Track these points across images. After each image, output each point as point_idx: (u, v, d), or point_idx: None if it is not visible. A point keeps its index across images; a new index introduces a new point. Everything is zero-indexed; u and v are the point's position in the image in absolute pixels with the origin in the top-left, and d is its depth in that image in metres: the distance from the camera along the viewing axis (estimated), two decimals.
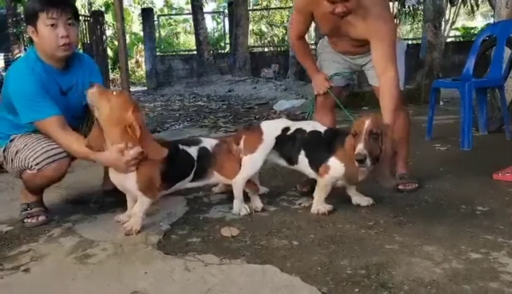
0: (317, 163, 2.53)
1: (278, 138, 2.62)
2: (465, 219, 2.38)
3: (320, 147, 2.53)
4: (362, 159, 2.23)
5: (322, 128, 2.62)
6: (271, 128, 2.65)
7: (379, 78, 2.59)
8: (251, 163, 2.58)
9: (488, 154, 3.76)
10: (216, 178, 2.63)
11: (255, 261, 2.00)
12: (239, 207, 2.58)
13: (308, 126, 2.64)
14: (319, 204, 2.55)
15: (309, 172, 2.61)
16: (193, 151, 2.53)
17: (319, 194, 2.56)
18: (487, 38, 4.45)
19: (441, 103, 6.74)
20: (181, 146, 2.53)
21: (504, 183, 2.90)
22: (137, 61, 19.93)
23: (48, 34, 2.36)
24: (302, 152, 2.58)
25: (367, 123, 2.27)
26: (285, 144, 2.62)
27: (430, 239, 2.14)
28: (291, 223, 2.42)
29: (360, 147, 2.24)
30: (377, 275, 1.84)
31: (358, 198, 2.65)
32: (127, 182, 2.33)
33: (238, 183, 2.59)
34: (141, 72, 18.87)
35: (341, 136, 2.49)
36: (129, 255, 2.10)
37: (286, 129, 2.63)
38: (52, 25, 2.35)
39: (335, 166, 2.46)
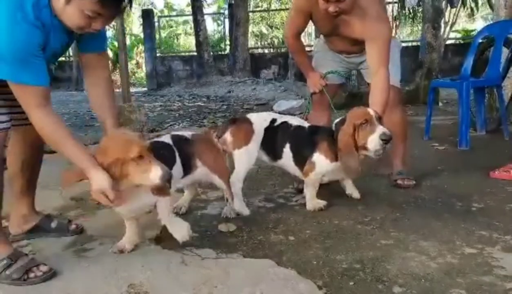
0: (301, 160, 2.52)
1: (266, 130, 2.59)
2: (460, 216, 2.40)
3: (304, 143, 2.52)
4: (389, 138, 2.32)
5: (306, 124, 2.63)
6: (260, 119, 2.63)
7: (371, 77, 2.61)
8: (246, 156, 2.53)
9: (486, 153, 3.77)
10: (203, 173, 2.36)
11: (251, 255, 2.02)
12: (240, 206, 2.51)
13: (294, 120, 2.63)
14: (312, 201, 2.56)
15: (293, 168, 2.59)
16: (167, 139, 2.30)
17: (310, 192, 2.57)
18: (485, 38, 4.48)
19: (440, 104, 6.77)
20: (164, 140, 2.30)
21: (501, 181, 2.92)
22: (137, 63, 19.93)
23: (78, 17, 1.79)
24: (287, 145, 2.56)
25: (372, 110, 2.39)
26: (272, 136, 2.58)
27: (425, 235, 2.16)
28: (287, 219, 2.44)
29: (381, 128, 2.33)
30: (372, 269, 1.85)
31: (351, 189, 2.68)
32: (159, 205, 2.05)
33: (235, 182, 2.51)
34: (141, 73, 18.86)
35: (323, 133, 2.50)
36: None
37: (273, 120, 2.63)
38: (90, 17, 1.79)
39: (320, 163, 2.47)
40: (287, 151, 2.57)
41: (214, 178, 2.40)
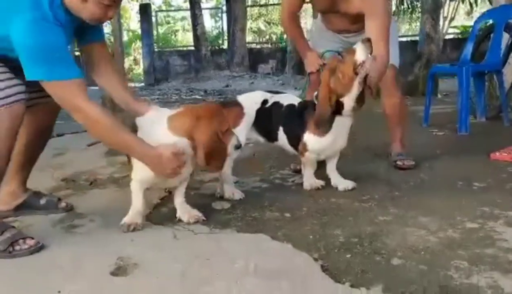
0: (294, 139, 2.44)
1: (258, 112, 2.47)
2: (461, 194, 2.34)
3: (296, 122, 2.42)
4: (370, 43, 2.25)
5: (296, 101, 2.52)
6: (250, 101, 2.49)
7: None
8: None
9: (486, 138, 3.72)
10: None
11: (245, 231, 1.96)
12: (230, 191, 2.39)
13: (285, 99, 2.52)
14: (310, 179, 2.49)
15: (289, 149, 2.51)
16: None
17: (307, 170, 2.50)
18: (483, 29, 4.43)
19: (439, 96, 6.71)
20: None
21: (502, 163, 2.86)
22: (134, 59, 19.84)
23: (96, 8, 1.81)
24: (281, 128, 2.46)
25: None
26: (265, 118, 2.47)
27: (425, 211, 2.09)
28: (284, 198, 2.37)
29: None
30: (370, 243, 1.79)
31: (337, 180, 2.50)
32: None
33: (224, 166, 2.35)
34: (139, 70, 18.78)
35: (311, 109, 2.39)
36: (117, 226, 2.02)
37: (265, 101, 2.50)
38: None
39: (311, 141, 2.38)
40: (281, 134, 2.49)
41: None
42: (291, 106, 2.48)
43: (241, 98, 2.52)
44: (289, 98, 2.56)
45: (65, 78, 1.76)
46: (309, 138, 2.38)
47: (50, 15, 1.73)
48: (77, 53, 2.23)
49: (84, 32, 2.02)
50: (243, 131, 2.42)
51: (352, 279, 1.51)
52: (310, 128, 2.38)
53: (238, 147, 2.00)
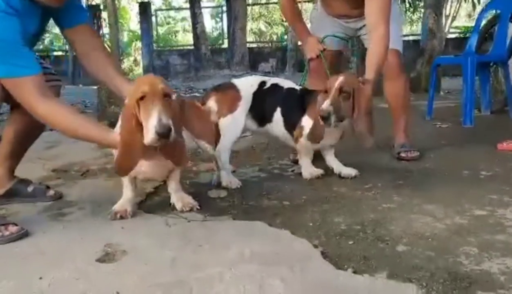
0: (291, 123, 2.35)
1: (255, 94, 2.37)
2: (468, 182, 2.23)
3: (296, 105, 2.34)
4: (326, 116, 2.07)
5: (298, 86, 2.46)
6: (246, 84, 2.39)
7: (370, 35, 2.40)
8: (232, 124, 2.30)
9: (491, 130, 3.61)
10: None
11: (242, 218, 1.87)
12: (228, 179, 2.29)
13: (284, 83, 2.44)
14: (308, 168, 2.40)
15: (282, 132, 2.39)
16: None
17: (304, 159, 2.40)
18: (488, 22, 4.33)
19: (442, 93, 6.60)
20: None
21: (509, 153, 2.75)
22: (135, 59, 19.74)
23: None
24: (278, 110, 2.36)
25: (339, 80, 2.13)
26: (261, 100, 2.37)
27: (430, 199, 1.99)
28: (282, 187, 2.27)
29: (326, 103, 2.09)
30: (374, 230, 1.69)
31: (339, 167, 2.41)
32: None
33: (221, 152, 2.29)
34: (139, 70, 18.67)
35: (314, 95, 2.29)
36: (107, 214, 1.93)
37: (262, 83, 2.40)
38: None
39: (309, 126, 2.27)
40: (277, 116, 2.38)
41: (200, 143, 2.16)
42: (292, 89, 2.41)
43: (236, 81, 2.43)
44: (288, 82, 2.48)
45: (16, 75, 1.68)
46: (308, 122, 2.29)
47: (2, 4, 1.64)
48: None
49: (61, 16, 1.95)
50: (241, 116, 2.34)
51: (354, 266, 1.41)
52: (310, 113, 2.29)
53: (162, 134, 1.56)
